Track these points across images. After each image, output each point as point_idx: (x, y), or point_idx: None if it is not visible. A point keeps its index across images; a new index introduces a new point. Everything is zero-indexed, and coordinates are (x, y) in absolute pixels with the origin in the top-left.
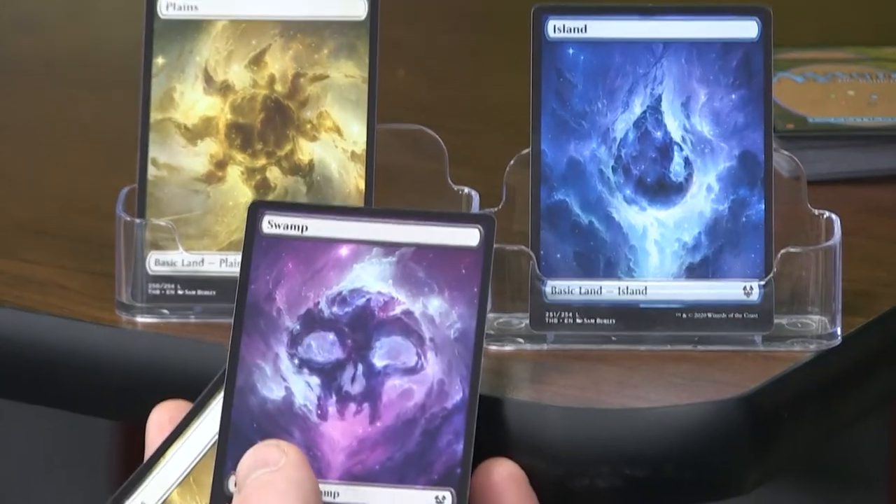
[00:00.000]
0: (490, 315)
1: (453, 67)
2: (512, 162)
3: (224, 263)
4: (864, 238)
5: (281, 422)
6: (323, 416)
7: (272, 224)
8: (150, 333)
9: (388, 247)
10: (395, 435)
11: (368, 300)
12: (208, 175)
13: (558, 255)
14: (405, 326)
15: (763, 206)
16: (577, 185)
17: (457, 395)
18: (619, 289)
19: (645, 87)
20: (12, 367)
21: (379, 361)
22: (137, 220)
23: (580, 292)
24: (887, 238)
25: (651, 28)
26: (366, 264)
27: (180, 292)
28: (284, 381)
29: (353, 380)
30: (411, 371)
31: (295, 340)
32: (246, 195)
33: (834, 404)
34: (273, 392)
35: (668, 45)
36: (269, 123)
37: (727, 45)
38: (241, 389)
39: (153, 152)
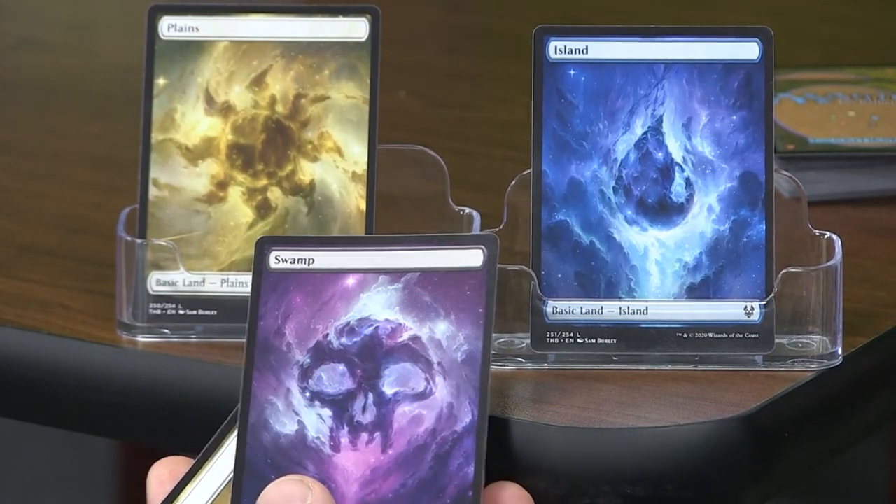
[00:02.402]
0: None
1: (454, 88)
2: (513, 182)
3: (225, 283)
4: (864, 258)
5: (294, 456)
6: (336, 447)
7: (279, 259)
8: (150, 353)
9: (394, 273)
10: (408, 461)
11: (376, 328)
12: (209, 195)
13: (559, 276)
14: (413, 352)
15: (764, 227)
16: (579, 205)
17: (466, 417)
18: (620, 309)
19: (646, 108)
20: (13, 386)
21: (388, 389)
22: (139, 240)
23: (581, 312)
24: (888, 258)
25: (652, 49)
26: (372, 293)
27: (181, 312)
28: (297, 415)
29: (363, 409)
30: (421, 396)
31: (306, 374)
32: (247, 215)
33: (834, 424)
34: (286, 427)
35: (670, 66)
36: (271, 144)
37: (728, 67)
38: (254, 426)
39: (154, 172)
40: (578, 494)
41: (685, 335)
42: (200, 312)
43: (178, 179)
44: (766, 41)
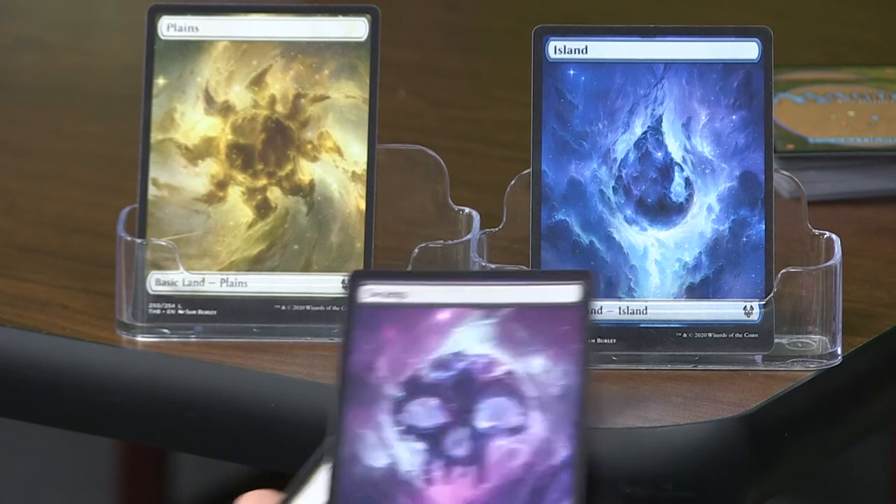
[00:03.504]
0: None
1: (454, 88)
2: (513, 182)
3: (224, 283)
4: (864, 258)
5: (387, 490)
6: (429, 480)
7: (371, 293)
8: (150, 353)
9: (488, 308)
10: (503, 495)
11: (470, 363)
12: (209, 195)
13: None
14: (508, 387)
15: (763, 227)
16: (578, 205)
17: (563, 452)
18: (620, 308)
19: (646, 108)
20: (13, 386)
21: (483, 423)
22: (138, 240)
23: None
24: (887, 258)
25: (652, 49)
26: (466, 328)
27: (181, 312)
28: (389, 448)
29: (458, 443)
30: (516, 430)
31: (398, 408)
32: (247, 215)
33: (834, 424)
34: (378, 460)
35: (669, 66)
36: (270, 144)
37: (728, 66)
38: (345, 460)
39: (154, 172)
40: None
41: (685, 335)
42: (200, 312)
43: (178, 179)
44: (765, 41)
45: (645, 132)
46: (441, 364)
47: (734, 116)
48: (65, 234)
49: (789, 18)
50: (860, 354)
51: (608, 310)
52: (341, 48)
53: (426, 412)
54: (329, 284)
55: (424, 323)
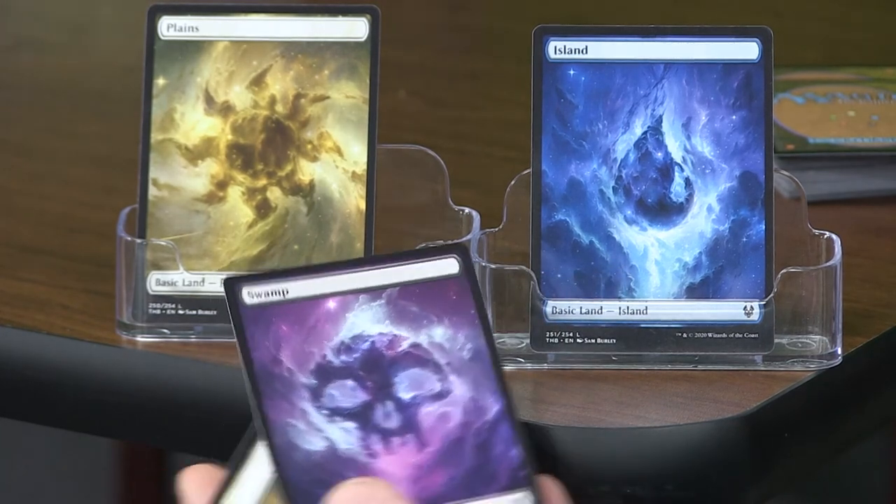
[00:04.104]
0: None
1: (454, 88)
2: (513, 182)
3: None
4: (864, 258)
5: (334, 468)
6: (372, 454)
7: (252, 294)
8: (150, 353)
9: (374, 291)
10: (448, 456)
11: (372, 342)
12: (209, 195)
13: (559, 276)
14: (418, 358)
15: (763, 227)
16: (578, 205)
17: (493, 407)
18: (620, 309)
19: (646, 108)
20: (13, 386)
21: (405, 394)
22: (138, 240)
23: (581, 312)
24: (887, 258)
25: (652, 49)
26: (358, 312)
27: (181, 312)
28: (321, 431)
29: (387, 416)
30: (440, 396)
31: (316, 394)
32: (247, 215)
33: (834, 424)
34: (314, 444)
35: (669, 66)
36: (270, 144)
37: (728, 67)
38: (282, 448)
39: (154, 173)
40: (578, 494)
41: (685, 335)
42: (200, 312)
43: (178, 179)
44: (765, 41)
45: (645, 132)
46: (344, 348)
47: (734, 116)
48: (65, 234)
49: (789, 18)
50: (860, 354)
51: (608, 310)
52: (341, 48)
53: (345, 393)
54: None
55: (315, 313)
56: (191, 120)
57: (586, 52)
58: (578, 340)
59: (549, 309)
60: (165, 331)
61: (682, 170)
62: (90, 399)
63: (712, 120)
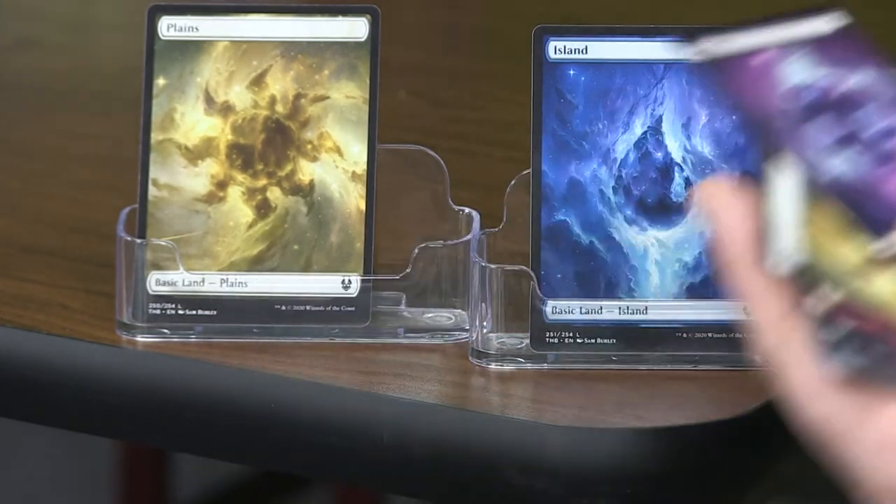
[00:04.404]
0: (490, 335)
1: (454, 88)
2: (513, 182)
3: (224, 283)
4: None
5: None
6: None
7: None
8: (150, 353)
9: (804, 44)
10: None
11: (821, 87)
12: (209, 195)
13: (559, 276)
14: (869, 95)
15: None
16: (578, 205)
17: None
18: (620, 309)
19: (646, 108)
20: (13, 386)
21: (879, 125)
22: (138, 241)
23: (581, 312)
24: None
25: (652, 49)
26: (790, 63)
27: (181, 312)
28: (831, 159)
29: (889, 135)
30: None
31: (799, 130)
32: (247, 215)
33: None
34: (832, 170)
35: (669, 66)
36: (270, 144)
37: None
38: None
39: (154, 173)
40: (578, 494)
41: (685, 335)
42: (200, 312)
43: (178, 179)
44: None
45: (645, 132)
46: (796, 95)
47: (734, 117)
48: (65, 234)
49: None
50: None
51: (608, 310)
52: (341, 48)
53: (828, 127)
54: (329, 285)
55: (755, 68)
56: (191, 120)
57: (586, 53)
58: (578, 340)
59: (549, 309)
60: (165, 331)
61: (682, 170)
62: (90, 399)
63: (712, 120)
